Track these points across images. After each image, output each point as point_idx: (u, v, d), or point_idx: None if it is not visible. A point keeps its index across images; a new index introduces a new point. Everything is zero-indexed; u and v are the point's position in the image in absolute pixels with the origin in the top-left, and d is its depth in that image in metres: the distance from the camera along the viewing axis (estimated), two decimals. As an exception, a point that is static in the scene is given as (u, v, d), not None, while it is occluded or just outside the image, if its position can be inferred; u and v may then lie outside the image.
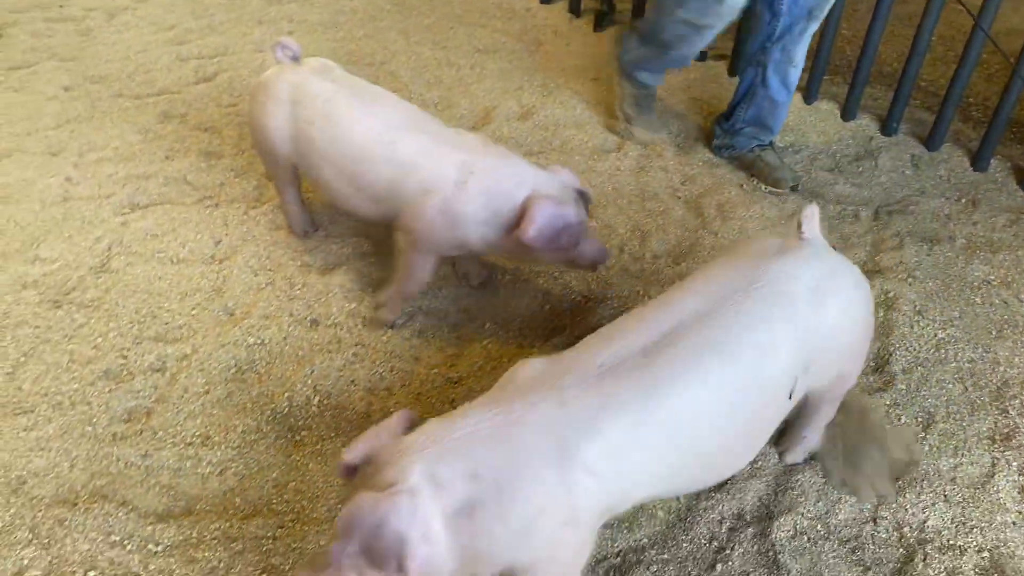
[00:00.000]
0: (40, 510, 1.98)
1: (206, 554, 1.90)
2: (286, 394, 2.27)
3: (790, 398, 1.74)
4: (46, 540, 1.92)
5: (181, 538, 1.93)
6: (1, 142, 3.09)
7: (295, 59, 2.47)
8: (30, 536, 1.93)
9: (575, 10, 4.10)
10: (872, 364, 2.36)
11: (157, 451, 2.12)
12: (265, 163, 2.65)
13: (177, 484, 2.05)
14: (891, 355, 2.38)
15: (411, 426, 1.55)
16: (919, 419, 2.22)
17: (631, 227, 2.84)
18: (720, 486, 2.06)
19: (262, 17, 3.99)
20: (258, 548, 1.92)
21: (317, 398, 2.27)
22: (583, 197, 2.30)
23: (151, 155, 3.08)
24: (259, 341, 2.42)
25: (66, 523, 1.95)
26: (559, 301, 2.57)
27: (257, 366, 2.35)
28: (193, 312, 2.49)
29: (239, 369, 2.34)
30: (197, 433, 2.16)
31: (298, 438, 2.17)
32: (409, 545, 1.35)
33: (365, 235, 2.77)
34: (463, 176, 2.22)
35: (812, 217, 1.81)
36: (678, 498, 2.03)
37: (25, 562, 1.88)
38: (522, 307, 2.55)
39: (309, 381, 2.30)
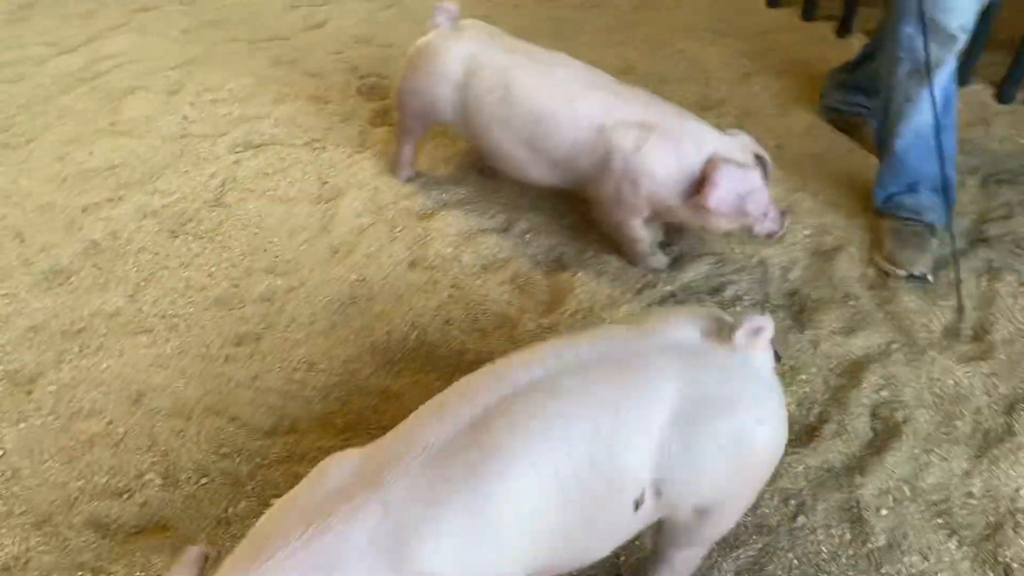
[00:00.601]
0: (158, 421, 2.13)
1: (308, 469, 2.02)
2: (385, 329, 2.37)
3: (636, 510, 1.44)
4: (163, 448, 2.07)
5: (286, 454, 2.06)
6: (126, 80, 3.27)
7: (452, 21, 2.50)
8: (149, 443, 2.08)
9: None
10: (971, 333, 2.32)
11: (265, 373, 2.25)
12: (407, 121, 2.69)
13: (283, 405, 2.17)
14: (992, 325, 2.33)
15: (206, 563, 1.30)
16: (1018, 390, 2.18)
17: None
18: (806, 441, 2.07)
19: (369, -32, 4.06)
20: (356, 469, 2.03)
21: (415, 334, 2.36)
22: (762, 163, 2.25)
23: (262, 98, 3.20)
24: (361, 278, 2.52)
25: (181, 434, 2.10)
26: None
27: (359, 301, 2.46)
28: (301, 248, 2.61)
29: (342, 303, 2.45)
30: (303, 359, 2.28)
31: (396, 370, 2.27)
32: None
33: (464, 183, 2.83)
34: (643, 135, 2.22)
35: (757, 332, 1.45)
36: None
37: (144, 466, 2.04)
38: (614, 260, 2.58)
39: (408, 318, 2.40)
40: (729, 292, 2.47)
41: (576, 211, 2.71)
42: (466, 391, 1.41)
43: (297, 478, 1.40)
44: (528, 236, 2.65)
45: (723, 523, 1.58)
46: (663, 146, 2.20)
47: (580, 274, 2.52)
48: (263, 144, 2.99)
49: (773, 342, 1.51)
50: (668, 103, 2.32)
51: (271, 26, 3.63)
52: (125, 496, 1.96)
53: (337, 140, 3.02)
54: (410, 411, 2.07)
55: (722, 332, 1.47)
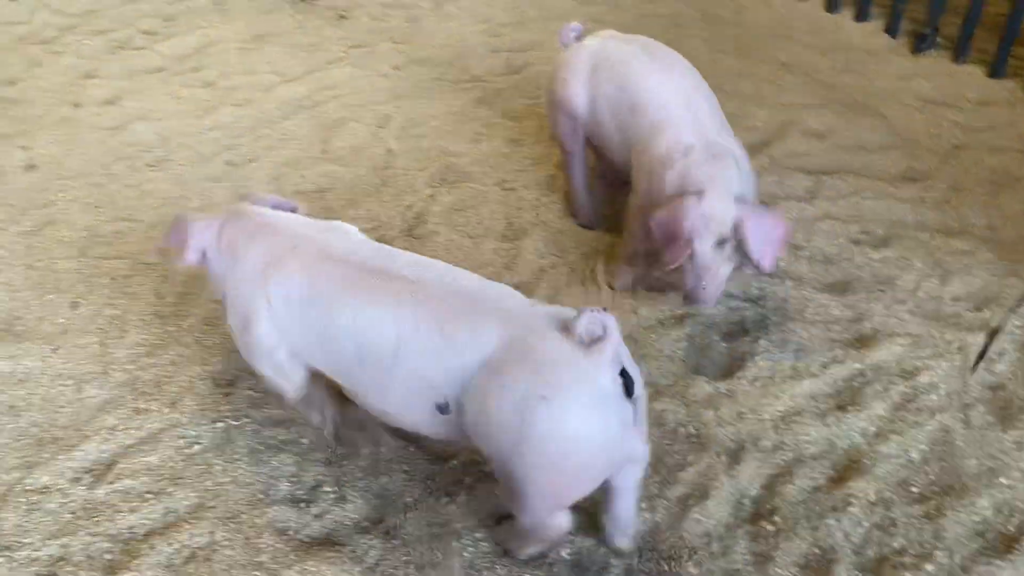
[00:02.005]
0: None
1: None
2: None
3: (441, 413, 1.78)
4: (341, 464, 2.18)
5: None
6: (340, 111, 3.50)
7: (579, 39, 2.71)
8: (327, 458, 2.20)
9: (892, 30, 3.89)
10: None
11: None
12: (561, 139, 2.77)
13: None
14: None
15: None
16: None
17: (931, 263, 2.68)
18: (1002, 551, 1.90)
19: (570, 16, 4.15)
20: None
21: (587, 382, 2.37)
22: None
23: (461, 136, 3.34)
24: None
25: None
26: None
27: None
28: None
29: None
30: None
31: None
32: None
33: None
34: (677, 156, 2.29)
35: (597, 336, 1.63)
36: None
37: (323, 479, 2.14)
38: (800, 330, 2.48)
39: (581, 365, 2.41)
40: (924, 378, 2.32)
41: (759, 276, 2.65)
42: (391, 254, 1.93)
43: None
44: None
45: (525, 498, 1.75)
46: (679, 175, 2.28)
47: (762, 341, 2.45)
48: (458, 181, 3.12)
49: (627, 363, 1.69)
50: (734, 155, 2.35)
51: (475, 68, 3.79)
52: (303, 505, 2.07)
53: (527, 182, 3.10)
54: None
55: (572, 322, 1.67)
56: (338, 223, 2.07)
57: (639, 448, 1.78)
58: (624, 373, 1.67)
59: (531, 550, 1.93)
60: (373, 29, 4.12)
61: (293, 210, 2.14)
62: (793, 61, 3.74)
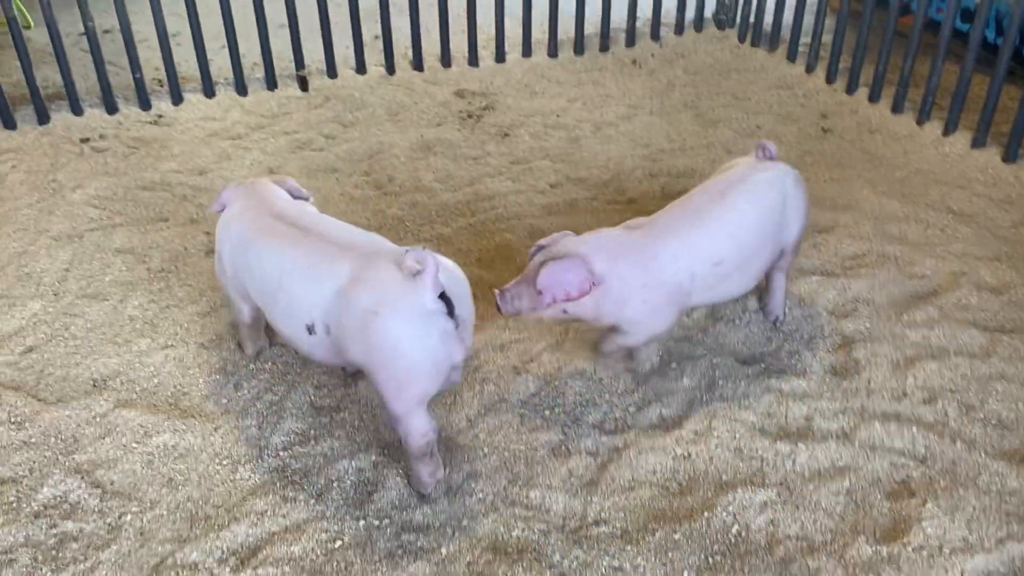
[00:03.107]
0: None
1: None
2: (704, 514, 2.30)
3: (310, 334, 2.29)
4: None
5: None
6: (497, 221, 3.61)
7: (772, 158, 2.79)
8: (461, 572, 2.16)
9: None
10: None
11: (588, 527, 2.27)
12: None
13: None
14: None
15: None
16: None
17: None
18: None
19: (731, 147, 4.21)
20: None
21: (735, 527, 2.26)
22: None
23: (615, 257, 3.38)
24: (685, 454, 2.49)
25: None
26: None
27: (679, 476, 2.42)
28: (630, 409, 2.65)
29: (663, 475, 2.42)
30: (617, 525, 2.28)
31: (712, 561, 2.18)
32: None
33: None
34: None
35: (421, 267, 2.13)
36: None
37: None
38: (972, 497, 2.31)
39: (730, 508, 2.31)
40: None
41: (932, 428, 2.50)
42: (309, 213, 2.48)
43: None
44: (872, 447, 2.47)
45: (383, 395, 2.24)
46: None
47: (929, 505, 2.29)
48: (609, 301, 3.13)
49: (446, 289, 2.15)
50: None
51: (630, 191, 3.85)
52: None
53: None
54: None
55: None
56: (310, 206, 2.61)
57: (460, 356, 2.24)
58: (445, 297, 2.15)
59: (421, 469, 2.32)
60: (534, 147, 4.27)
61: (305, 199, 2.66)
62: (965, 210, 3.61)
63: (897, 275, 3.22)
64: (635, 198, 3.80)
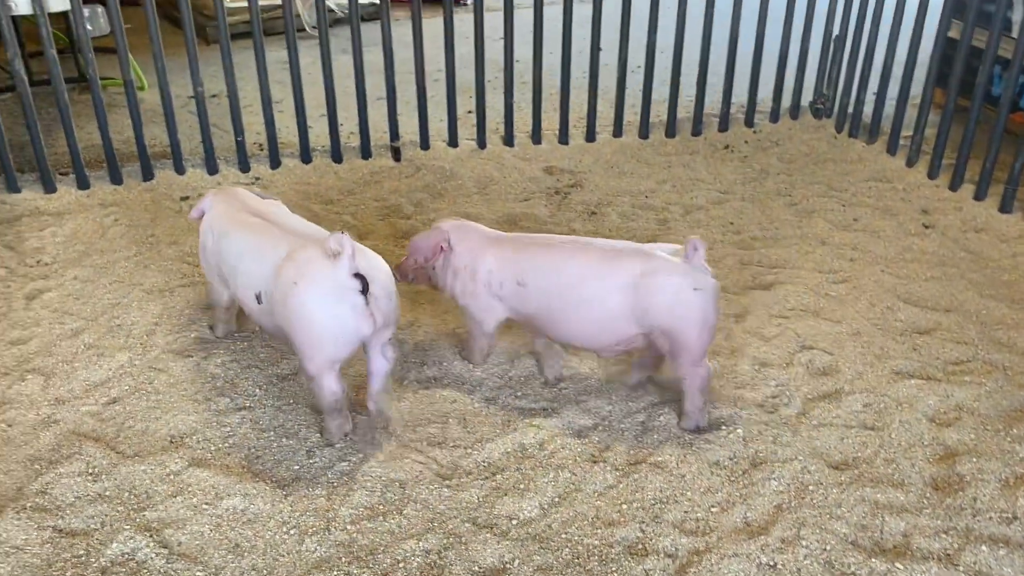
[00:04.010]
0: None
1: None
2: (792, 632, 2.13)
3: (259, 303, 2.74)
4: None
5: None
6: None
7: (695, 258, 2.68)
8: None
9: None
10: None
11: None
12: None
13: None
14: None
15: None
16: None
17: None
18: None
19: (826, 239, 4.08)
20: None
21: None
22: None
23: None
24: (771, 563, 2.33)
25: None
26: None
27: (764, 588, 2.26)
28: (713, 509, 2.51)
29: (747, 585, 2.27)
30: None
31: None
32: None
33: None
34: None
35: (340, 250, 2.53)
36: None
37: None
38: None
39: (820, 629, 2.14)
40: None
41: None
42: (272, 207, 3.01)
43: None
44: (978, 574, 2.27)
45: (301, 357, 2.64)
46: None
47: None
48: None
49: (363, 271, 2.51)
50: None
51: (722, 277, 3.67)
52: None
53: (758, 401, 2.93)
54: None
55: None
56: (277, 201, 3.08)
57: (368, 330, 2.56)
58: (360, 276, 2.49)
59: (331, 423, 2.73)
60: (621, 227, 4.23)
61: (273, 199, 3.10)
62: (1081, 319, 3.39)
63: (1006, 385, 3.01)
64: (726, 287, 3.69)
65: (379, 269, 2.62)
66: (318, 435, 2.78)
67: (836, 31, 5.20)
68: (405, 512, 2.49)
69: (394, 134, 4.96)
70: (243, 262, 2.79)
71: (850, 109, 5.22)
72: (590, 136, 5.20)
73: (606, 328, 2.74)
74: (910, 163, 4.80)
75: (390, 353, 2.75)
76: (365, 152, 4.93)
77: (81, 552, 2.34)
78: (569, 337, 2.85)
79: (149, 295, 3.54)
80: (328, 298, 2.51)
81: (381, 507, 2.51)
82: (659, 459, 2.70)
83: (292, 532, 2.42)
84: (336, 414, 2.70)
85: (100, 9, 5.75)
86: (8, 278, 3.67)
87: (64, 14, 5.46)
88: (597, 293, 2.71)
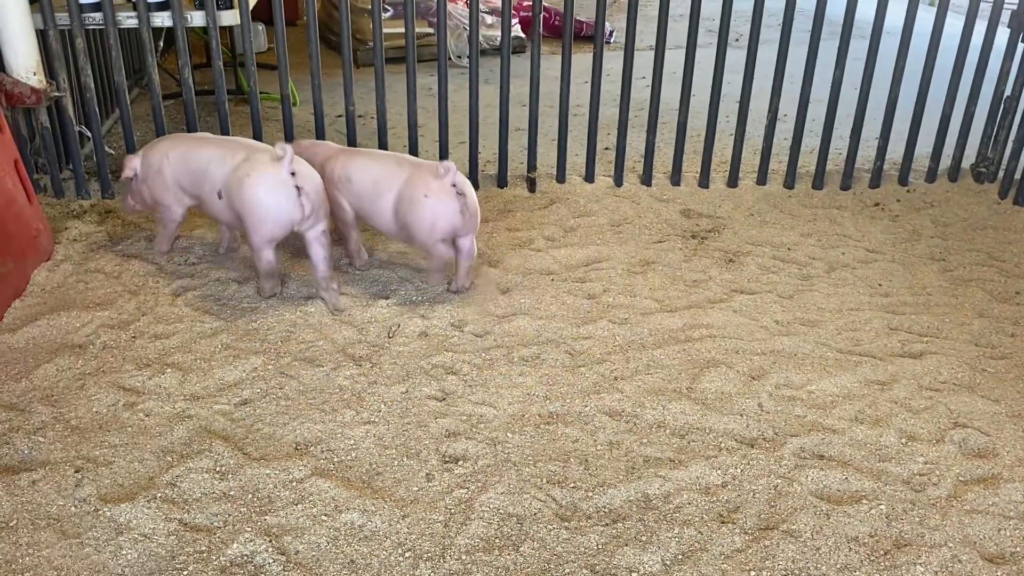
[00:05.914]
0: None
1: None
2: None
3: (220, 198, 3.55)
4: None
5: None
6: (713, 352, 3.41)
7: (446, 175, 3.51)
8: None
9: None
10: None
11: None
12: None
13: None
14: None
15: None
16: None
17: None
18: None
19: (984, 311, 3.79)
20: None
21: None
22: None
23: (842, 410, 3.06)
24: (915, 658, 2.13)
25: None
26: None
27: None
28: (850, 590, 2.32)
29: None
30: None
31: None
32: None
33: None
34: None
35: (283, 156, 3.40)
36: None
37: None
38: None
39: None
40: None
41: None
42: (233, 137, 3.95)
43: None
44: None
45: (248, 234, 3.53)
46: None
47: None
48: (830, 458, 2.82)
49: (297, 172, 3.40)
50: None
51: (866, 342, 3.53)
52: None
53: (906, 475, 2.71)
54: None
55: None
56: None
57: (298, 215, 3.41)
58: (294, 174, 3.37)
59: (265, 284, 3.63)
60: (760, 279, 4.06)
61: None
62: None
63: None
64: (872, 352, 3.47)
65: (311, 171, 3.48)
66: (437, 458, 2.75)
67: (1008, 92, 4.89)
68: (521, 550, 2.41)
69: (531, 165, 4.96)
70: (211, 170, 3.54)
71: (1017, 175, 4.88)
72: (732, 181, 5.06)
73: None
74: (1083, 238, 4.44)
75: (324, 240, 3.53)
76: (502, 181, 4.94)
77: (203, 548, 2.38)
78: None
79: (286, 303, 3.63)
80: (270, 187, 3.34)
81: (497, 541, 2.44)
82: (793, 527, 2.53)
83: (407, 555, 2.38)
84: (270, 277, 3.59)
85: (261, 27, 6.05)
86: (157, 274, 3.84)
87: (227, 29, 5.77)
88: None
